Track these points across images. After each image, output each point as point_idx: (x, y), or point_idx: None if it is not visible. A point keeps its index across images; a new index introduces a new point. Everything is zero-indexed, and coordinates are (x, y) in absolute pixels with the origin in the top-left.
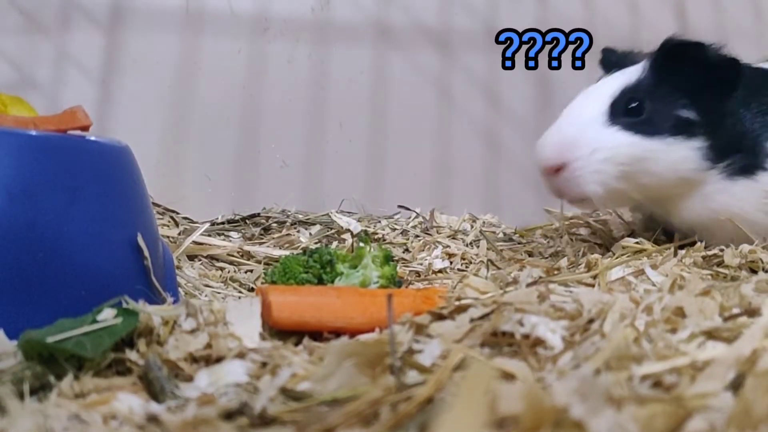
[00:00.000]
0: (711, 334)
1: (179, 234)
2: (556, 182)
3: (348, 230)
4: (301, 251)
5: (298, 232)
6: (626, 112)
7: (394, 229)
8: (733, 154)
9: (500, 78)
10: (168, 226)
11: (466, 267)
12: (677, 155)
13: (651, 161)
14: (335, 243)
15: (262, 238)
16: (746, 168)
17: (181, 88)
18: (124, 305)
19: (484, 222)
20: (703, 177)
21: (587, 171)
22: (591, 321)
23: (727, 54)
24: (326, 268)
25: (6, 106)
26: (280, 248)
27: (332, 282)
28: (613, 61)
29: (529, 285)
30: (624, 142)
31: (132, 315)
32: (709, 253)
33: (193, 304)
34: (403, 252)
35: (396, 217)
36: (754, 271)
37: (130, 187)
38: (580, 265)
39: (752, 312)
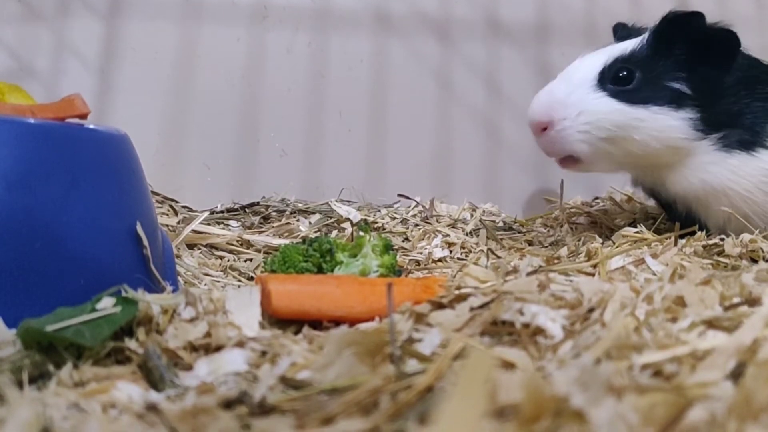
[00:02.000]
0: (711, 324)
1: (178, 223)
2: (543, 140)
3: (348, 219)
4: (300, 240)
5: (298, 221)
6: (615, 80)
7: (394, 218)
8: (729, 128)
9: (500, 67)
10: (167, 214)
11: (466, 256)
12: (663, 124)
13: (635, 128)
14: (335, 232)
15: (262, 227)
16: (745, 143)
17: (180, 77)
18: (123, 294)
19: (484, 211)
20: (694, 147)
21: (572, 131)
22: (591, 310)
23: (726, 26)
24: (326, 257)
25: (4, 94)
26: (279, 237)
27: (332, 271)
28: (623, 36)
29: (529, 274)
30: (609, 108)
31: (131, 304)
32: (710, 242)
33: (193, 293)
34: (403, 241)
35: (396, 206)
36: (754, 261)
37: (129, 176)
38: (580, 254)
39: (753, 301)
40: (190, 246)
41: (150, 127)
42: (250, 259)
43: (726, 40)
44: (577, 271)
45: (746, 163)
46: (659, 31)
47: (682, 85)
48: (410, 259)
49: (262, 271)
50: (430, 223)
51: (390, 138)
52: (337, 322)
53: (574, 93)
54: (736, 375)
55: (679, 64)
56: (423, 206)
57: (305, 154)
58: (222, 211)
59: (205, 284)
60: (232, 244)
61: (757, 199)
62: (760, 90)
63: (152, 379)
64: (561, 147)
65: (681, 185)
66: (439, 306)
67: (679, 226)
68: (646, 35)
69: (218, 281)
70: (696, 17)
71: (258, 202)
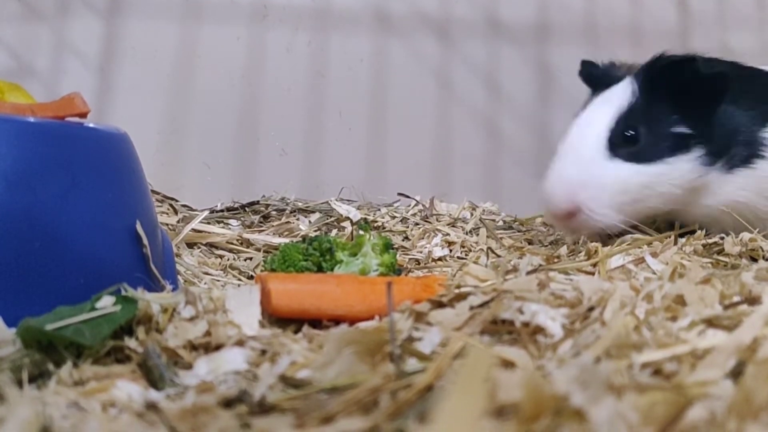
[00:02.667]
0: (711, 322)
1: (178, 222)
2: (572, 225)
3: (347, 218)
4: (300, 239)
5: (298, 219)
6: (624, 141)
7: (394, 217)
8: (730, 150)
9: (500, 66)
10: (167, 213)
11: (466, 255)
12: (680, 171)
13: (657, 184)
14: (335, 231)
15: (262, 226)
16: (745, 158)
17: (180, 76)
18: (123, 293)
19: (483, 210)
20: (707, 179)
21: (601, 209)
22: (591, 309)
23: (717, 67)
24: (326, 256)
25: (4, 93)
26: (279, 236)
27: (332, 270)
28: (596, 77)
29: (529, 273)
30: (629, 173)
31: (131, 303)
32: (710, 241)
33: (192, 292)
34: (403, 240)
35: (396, 204)
36: (754, 260)
37: (129, 175)
38: (580, 253)
39: (753, 300)
40: (190, 245)
41: (150, 125)
42: (250, 258)
43: (718, 80)
44: (576, 270)
45: (749, 176)
46: (652, 77)
47: (683, 128)
48: (410, 258)
49: (262, 270)
50: (430, 222)
51: (390, 137)
52: (337, 321)
53: (591, 169)
54: (736, 374)
55: (674, 107)
56: (423, 205)
57: (305, 153)
58: (222, 210)
59: (205, 283)
60: (232, 243)
61: (760, 206)
62: (744, 101)
63: (152, 377)
64: (595, 225)
65: (696, 212)
66: (438, 305)
67: (678, 225)
68: (632, 83)
69: (218, 280)
70: (688, 63)
71: (258, 201)
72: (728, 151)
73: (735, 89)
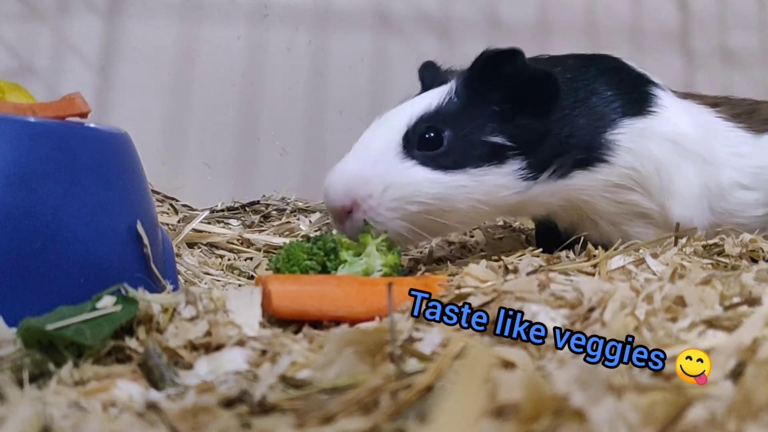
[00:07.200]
0: (711, 323)
1: (179, 221)
2: (349, 227)
3: None
4: (303, 238)
5: (298, 219)
6: (422, 143)
7: None
8: (561, 156)
9: None
10: (167, 213)
11: (467, 255)
12: (488, 185)
13: (456, 198)
14: (335, 230)
15: (262, 226)
16: (581, 162)
17: (181, 76)
18: (124, 293)
19: None
20: (528, 194)
21: (381, 210)
22: (591, 310)
23: (544, 69)
24: (330, 255)
25: (4, 93)
26: (279, 236)
27: (336, 270)
28: (428, 79)
29: (529, 273)
30: (420, 179)
31: (131, 303)
32: (710, 242)
33: (193, 292)
34: None
35: None
36: (754, 261)
37: (130, 175)
38: (580, 253)
39: (753, 301)
40: (191, 245)
41: (150, 125)
42: (251, 258)
43: (545, 83)
44: (577, 271)
45: (586, 178)
46: (473, 75)
47: (500, 138)
48: (410, 258)
49: (266, 269)
50: None
51: None
52: (337, 322)
53: (377, 165)
54: (736, 374)
55: (493, 113)
56: None
57: (305, 152)
58: (222, 210)
59: (206, 283)
60: (233, 243)
61: (601, 208)
62: (580, 106)
63: (152, 377)
64: (373, 230)
65: (532, 214)
66: None
67: (678, 225)
68: (453, 84)
69: (218, 280)
70: (514, 55)
71: (258, 201)
72: (559, 158)
73: (578, 97)
